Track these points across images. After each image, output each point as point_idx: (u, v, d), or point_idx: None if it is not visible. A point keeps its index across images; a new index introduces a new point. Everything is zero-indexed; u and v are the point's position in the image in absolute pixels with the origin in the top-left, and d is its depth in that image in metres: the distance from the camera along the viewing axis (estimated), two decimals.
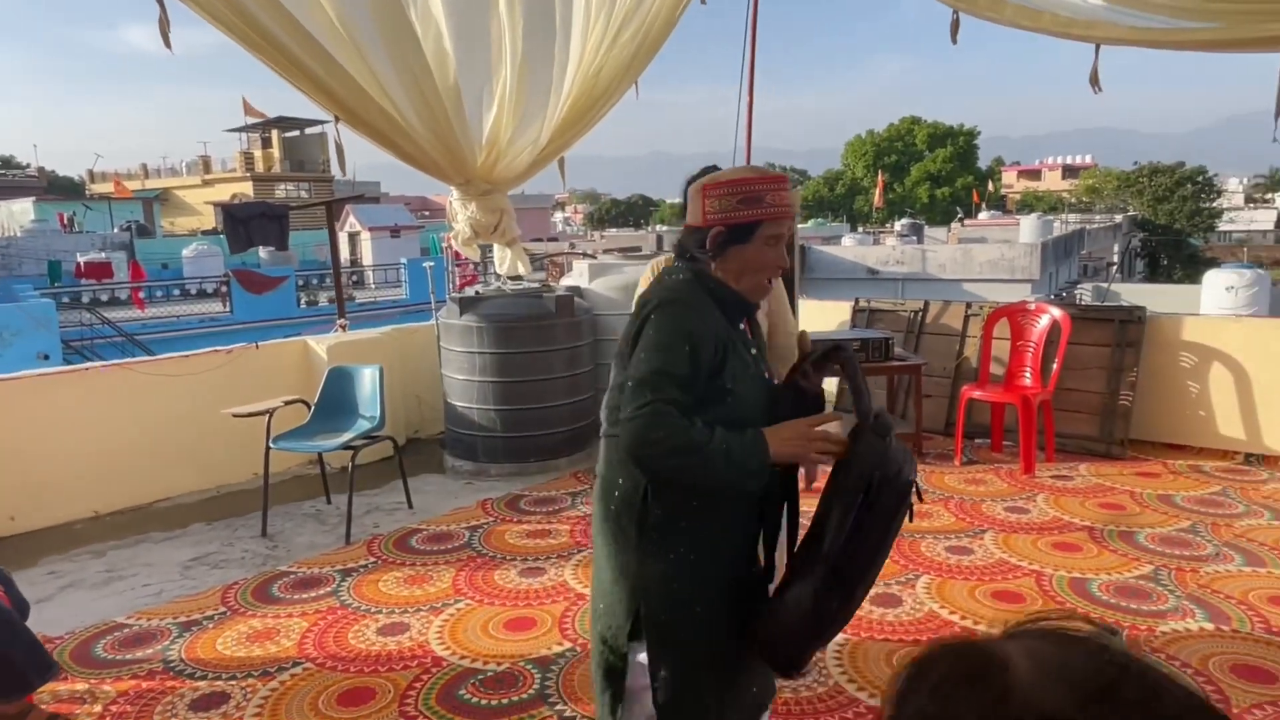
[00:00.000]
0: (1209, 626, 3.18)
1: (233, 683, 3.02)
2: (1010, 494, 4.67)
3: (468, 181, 5.13)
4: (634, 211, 70.44)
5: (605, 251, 11.46)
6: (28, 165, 49.72)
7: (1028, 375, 5.23)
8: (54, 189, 47.10)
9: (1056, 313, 5.26)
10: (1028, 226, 27.02)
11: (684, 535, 1.70)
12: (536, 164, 5.43)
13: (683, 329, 1.63)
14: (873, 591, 3.52)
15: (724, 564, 1.75)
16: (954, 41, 5.30)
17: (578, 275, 6.33)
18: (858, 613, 3.33)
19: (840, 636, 3.15)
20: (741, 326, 1.80)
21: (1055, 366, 5.11)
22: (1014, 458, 5.19)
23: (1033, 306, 5.48)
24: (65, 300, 18.63)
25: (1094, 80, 4.76)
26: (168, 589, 3.88)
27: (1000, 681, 0.55)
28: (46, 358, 14.29)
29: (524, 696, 2.86)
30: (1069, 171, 68.76)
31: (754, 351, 1.79)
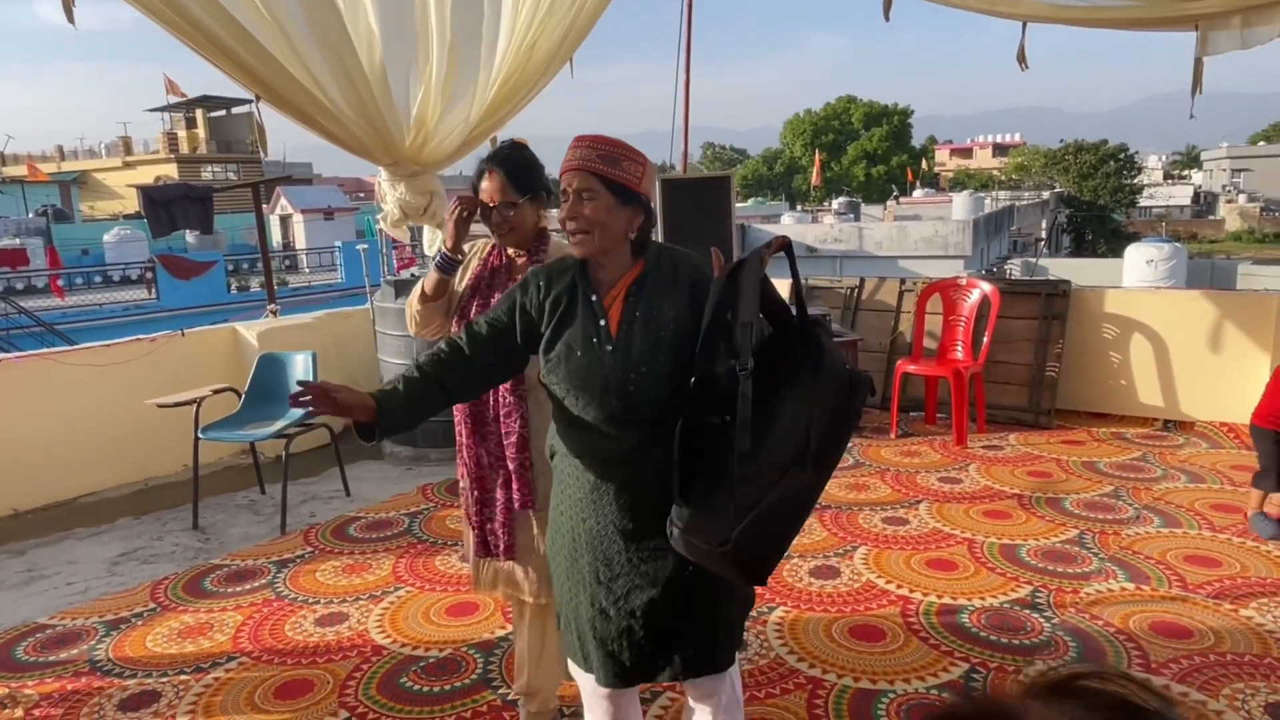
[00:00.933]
0: (1130, 586, 3.32)
1: (164, 680, 2.93)
2: (944, 465, 4.79)
3: (395, 162, 5.01)
4: None
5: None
6: None
7: (959, 349, 5.36)
8: None
9: (986, 288, 5.39)
10: (960, 204, 27.64)
11: (554, 476, 1.95)
12: (468, 144, 5.31)
13: (523, 280, 1.90)
14: (811, 564, 3.60)
15: (567, 517, 1.88)
16: (886, 19, 5.34)
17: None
18: (797, 585, 3.39)
19: (781, 610, 3.20)
20: (594, 298, 1.80)
21: (985, 340, 5.25)
22: (947, 430, 5.33)
23: (964, 282, 5.61)
24: None
25: (1021, 58, 4.86)
26: (94, 587, 3.75)
27: None
28: None
29: (467, 682, 2.84)
30: (999, 150, 70.45)
31: (602, 324, 1.78)
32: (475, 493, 2.39)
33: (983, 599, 3.25)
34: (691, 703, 1.95)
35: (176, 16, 3.73)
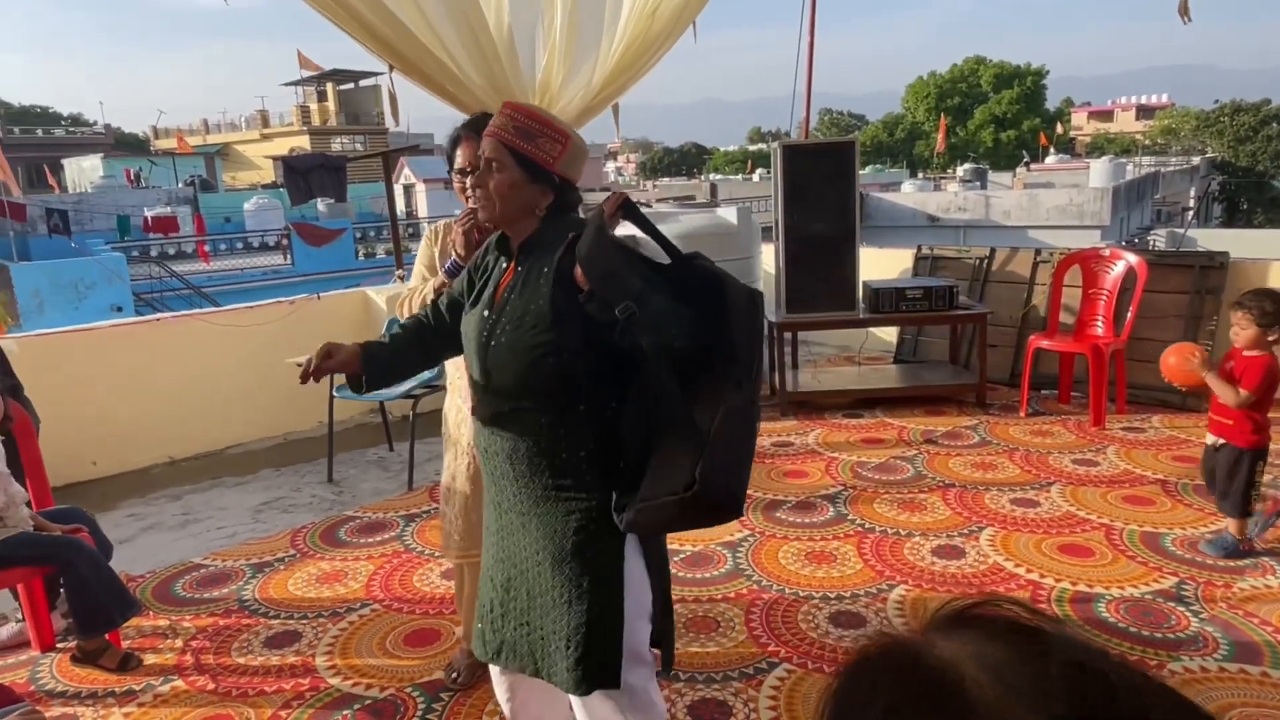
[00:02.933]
0: None
1: (304, 622, 3.12)
2: (1078, 446, 4.54)
3: None
4: (687, 160, 69.42)
5: (659, 200, 11.32)
6: (95, 122, 51.04)
7: (1099, 324, 5.04)
8: (120, 145, 48.26)
9: (1132, 259, 5.04)
10: (1098, 170, 25.90)
11: None
12: (589, 110, 5.32)
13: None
14: (934, 543, 3.49)
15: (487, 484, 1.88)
16: None
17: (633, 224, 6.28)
18: (919, 564, 3.29)
19: (901, 588, 3.12)
20: (503, 264, 1.83)
21: (1129, 315, 4.91)
22: (1082, 409, 5.04)
23: (1107, 253, 5.26)
24: (135, 254, 19.20)
25: (1183, 11, 4.46)
26: (240, 532, 4.02)
27: (960, 707, 0.46)
28: (120, 310, 14.81)
29: None
30: (1144, 112, 65.52)
31: (490, 290, 1.80)
32: None
33: (1122, 589, 3.07)
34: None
35: None
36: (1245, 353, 3.19)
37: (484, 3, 4.49)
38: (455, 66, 4.55)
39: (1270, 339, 3.14)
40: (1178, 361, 3.33)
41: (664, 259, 1.69)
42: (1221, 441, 3.28)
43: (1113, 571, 3.20)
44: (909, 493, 4.01)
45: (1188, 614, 2.89)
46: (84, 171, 33.93)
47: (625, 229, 1.79)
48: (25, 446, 3.02)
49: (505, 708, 1.98)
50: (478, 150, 2.27)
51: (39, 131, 44.55)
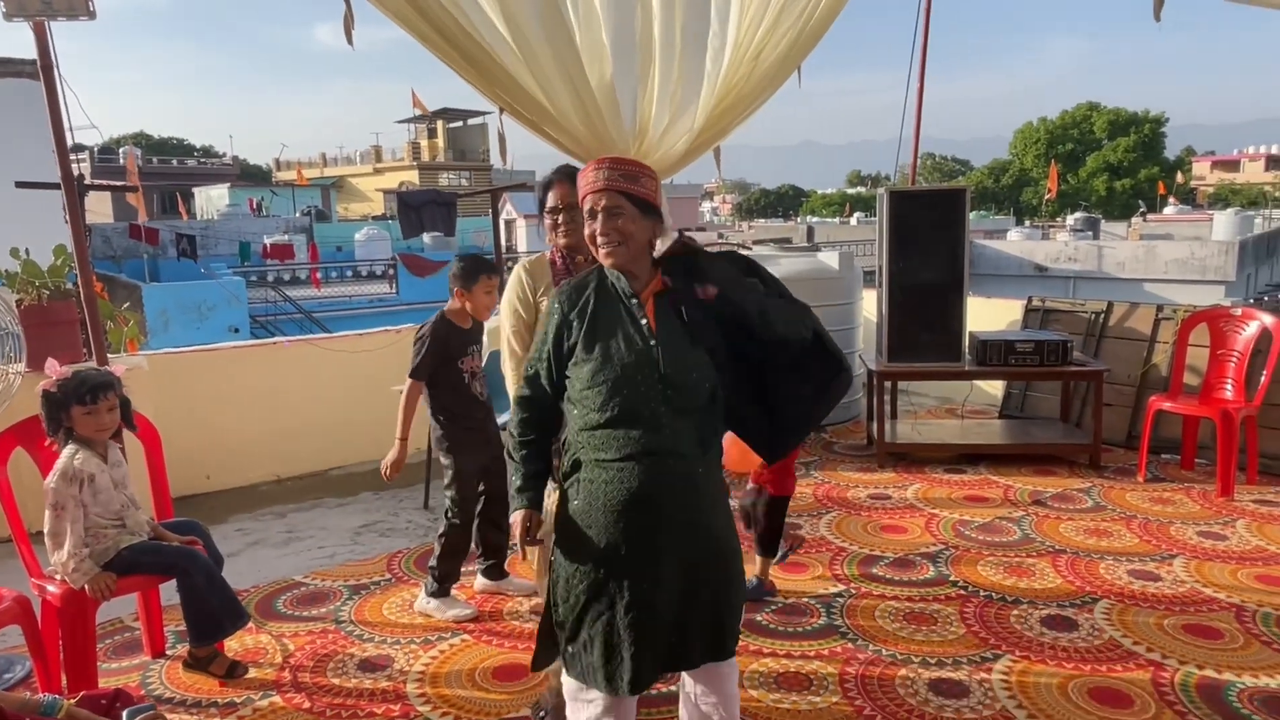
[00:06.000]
0: None
1: (396, 647, 3.17)
2: (1204, 517, 4.24)
3: None
4: (784, 202, 69.27)
5: (757, 242, 11.31)
6: (224, 154, 54.44)
7: (1229, 387, 4.73)
8: (245, 176, 51.28)
9: (1268, 320, 4.72)
10: (1222, 222, 24.52)
11: (578, 490, 2.06)
12: (691, 152, 5.36)
13: (548, 309, 2.10)
14: (1043, 611, 3.31)
15: (601, 527, 1.97)
16: (1157, 19, 4.84)
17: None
18: (1026, 634, 3.12)
19: (1008, 659, 2.95)
20: (634, 301, 1.96)
21: (1264, 379, 4.59)
22: (1208, 477, 4.72)
23: (1238, 312, 4.95)
24: (253, 278, 20.30)
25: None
26: (339, 553, 4.13)
27: None
28: (236, 330, 15.66)
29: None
30: (1274, 162, 61.97)
31: (643, 322, 1.93)
32: None
33: (1255, 677, 2.83)
34: (698, 694, 2.06)
35: (439, 39, 4.05)
36: None
37: (587, 61, 4.60)
38: (558, 113, 4.67)
39: None
40: (740, 452, 3.26)
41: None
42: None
43: (1245, 657, 2.95)
44: (1016, 556, 3.82)
45: None
46: (212, 200, 36.22)
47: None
48: (152, 457, 3.19)
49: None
50: (567, 192, 2.63)
51: (174, 161, 47.80)
